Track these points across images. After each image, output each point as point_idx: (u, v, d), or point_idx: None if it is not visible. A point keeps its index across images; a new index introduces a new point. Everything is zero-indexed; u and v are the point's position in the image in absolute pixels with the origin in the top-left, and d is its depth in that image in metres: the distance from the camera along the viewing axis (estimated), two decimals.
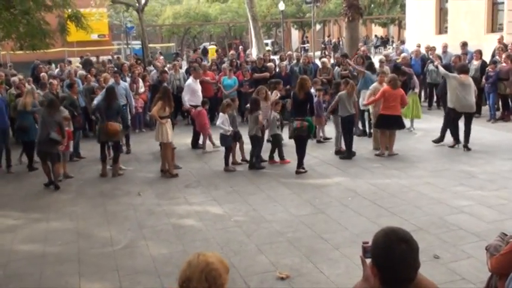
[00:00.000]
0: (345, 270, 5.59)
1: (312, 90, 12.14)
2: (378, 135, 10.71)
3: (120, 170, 10.13)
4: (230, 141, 10.05)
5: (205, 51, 34.02)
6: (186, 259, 2.44)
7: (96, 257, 6.37)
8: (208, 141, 11.71)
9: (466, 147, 10.41)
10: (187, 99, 12.14)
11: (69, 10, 16.85)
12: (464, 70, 10.57)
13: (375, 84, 10.97)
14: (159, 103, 9.64)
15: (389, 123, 10.29)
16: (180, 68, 15.89)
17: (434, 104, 15.17)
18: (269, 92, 10.96)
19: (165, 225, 7.28)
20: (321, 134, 11.99)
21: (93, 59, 23.36)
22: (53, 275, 5.93)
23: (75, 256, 6.40)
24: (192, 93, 12.18)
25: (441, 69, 11.10)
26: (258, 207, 7.81)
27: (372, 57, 15.46)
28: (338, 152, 10.66)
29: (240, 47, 31.57)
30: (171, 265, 5.87)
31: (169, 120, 9.83)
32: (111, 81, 12.53)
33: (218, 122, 10.14)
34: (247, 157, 10.27)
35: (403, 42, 22.84)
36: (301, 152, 9.55)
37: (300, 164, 9.54)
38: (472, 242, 6.09)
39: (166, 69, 15.12)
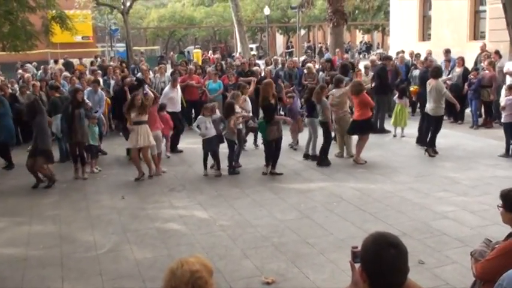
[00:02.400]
0: (330, 275, 5.60)
1: None
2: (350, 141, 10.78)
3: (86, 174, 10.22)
4: (214, 145, 9.90)
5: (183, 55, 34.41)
6: (169, 266, 2.40)
7: (79, 261, 6.29)
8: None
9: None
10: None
11: (53, 11, 16.67)
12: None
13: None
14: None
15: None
16: (165, 71, 15.79)
17: (418, 110, 15.27)
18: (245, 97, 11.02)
19: (150, 229, 7.23)
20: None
21: (76, 61, 23.17)
22: (35, 279, 5.85)
23: (58, 260, 6.31)
24: (170, 100, 12.08)
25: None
26: (243, 211, 7.79)
27: (355, 63, 15.53)
28: (306, 156, 10.70)
29: (239, 51, 31.57)
30: (156, 269, 5.82)
31: (141, 126, 9.67)
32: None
33: (194, 125, 10.19)
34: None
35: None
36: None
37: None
38: (456, 248, 6.14)
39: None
